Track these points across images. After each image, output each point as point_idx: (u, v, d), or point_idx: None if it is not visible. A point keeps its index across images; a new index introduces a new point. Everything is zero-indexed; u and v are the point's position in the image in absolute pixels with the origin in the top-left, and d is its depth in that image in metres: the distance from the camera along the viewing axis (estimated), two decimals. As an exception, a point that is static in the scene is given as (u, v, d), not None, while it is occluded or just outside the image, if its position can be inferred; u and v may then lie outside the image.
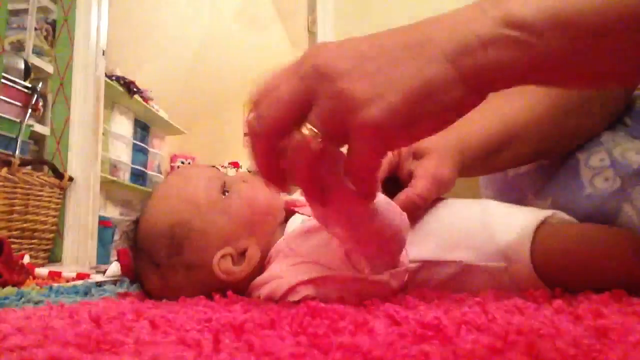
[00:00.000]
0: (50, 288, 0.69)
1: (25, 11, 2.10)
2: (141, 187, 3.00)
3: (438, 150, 0.53)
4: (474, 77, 0.31)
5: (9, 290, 0.68)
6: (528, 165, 0.63)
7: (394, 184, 0.53)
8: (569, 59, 0.31)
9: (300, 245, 0.49)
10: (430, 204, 0.53)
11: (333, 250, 0.45)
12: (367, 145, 0.33)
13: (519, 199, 0.63)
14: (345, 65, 0.32)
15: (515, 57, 0.30)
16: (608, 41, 0.31)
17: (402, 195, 0.50)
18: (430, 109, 0.31)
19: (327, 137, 0.32)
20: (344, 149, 0.35)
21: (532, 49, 0.30)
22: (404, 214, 0.44)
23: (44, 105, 2.11)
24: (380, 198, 0.41)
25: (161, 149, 3.45)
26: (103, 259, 2.18)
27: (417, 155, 0.54)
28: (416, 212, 0.51)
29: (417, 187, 0.51)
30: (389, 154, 0.53)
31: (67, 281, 0.98)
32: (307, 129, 0.33)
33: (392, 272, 0.45)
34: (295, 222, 0.55)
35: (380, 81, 0.31)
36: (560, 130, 0.58)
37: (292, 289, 0.45)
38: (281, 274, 0.48)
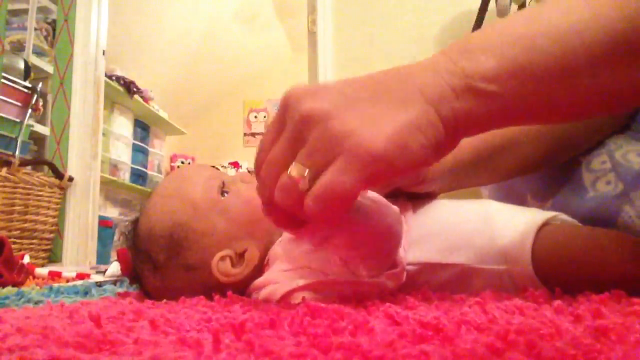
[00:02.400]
0: (50, 288, 0.69)
1: (25, 11, 2.10)
2: (141, 187, 3.00)
3: None
4: (451, 121, 0.33)
5: (9, 290, 0.68)
6: None
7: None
8: (538, 101, 0.33)
9: (295, 249, 0.49)
10: (430, 204, 0.52)
11: (327, 255, 0.45)
12: (355, 172, 0.31)
13: (519, 200, 0.63)
14: (330, 105, 0.32)
15: (486, 105, 0.33)
16: (570, 82, 0.33)
17: None
18: (419, 142, 0.32)
19: (316, 172, 0.32)
20: None
21: (500, 98, 0.32)
22: (396, 208, 0.43)
23: (44, 105, 2.11)
24: (367, 197, 0.41)
25: (161, 149, 3.45)
26: (103, 259, 2.18)
27: None
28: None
29: None
30: None
31: (67, 281, 0.98)
32: (293, 168, 0.33)
33: (388, 273, 0.45)
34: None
35: (369, 115, 0.32)
36: (575, 129, 0.57)
37: (288, 295, 0.45)
38: (277, 279, 0.48)
